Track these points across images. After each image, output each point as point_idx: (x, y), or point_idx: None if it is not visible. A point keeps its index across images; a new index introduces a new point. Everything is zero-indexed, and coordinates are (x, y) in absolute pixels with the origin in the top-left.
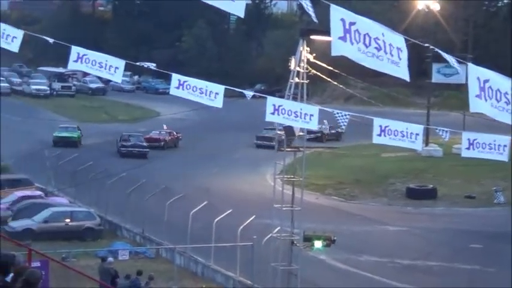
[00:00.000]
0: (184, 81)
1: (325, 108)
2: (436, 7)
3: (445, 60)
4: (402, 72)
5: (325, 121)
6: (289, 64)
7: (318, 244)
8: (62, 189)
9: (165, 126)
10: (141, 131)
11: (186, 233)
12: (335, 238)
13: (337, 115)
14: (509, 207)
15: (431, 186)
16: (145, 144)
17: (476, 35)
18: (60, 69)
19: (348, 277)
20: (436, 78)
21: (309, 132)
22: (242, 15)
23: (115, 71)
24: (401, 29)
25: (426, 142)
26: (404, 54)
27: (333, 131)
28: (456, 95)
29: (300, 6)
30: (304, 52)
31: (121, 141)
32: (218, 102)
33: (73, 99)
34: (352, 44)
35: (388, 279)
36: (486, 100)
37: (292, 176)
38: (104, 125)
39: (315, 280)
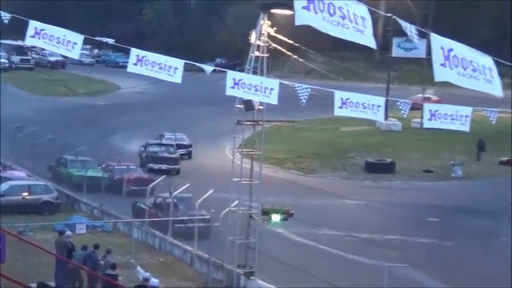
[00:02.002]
0: (143, 57)
1: (285, 82)
2: None
3: (406, 34)
4: (368, 39)
5: None
6: (250, 38)
7: (276, 218)
8: (20, 163)
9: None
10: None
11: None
12: (293, 212)
13: (297, 89)
14: (467, 181)
15: (390, 160)
16: (177, 156)
17: (437, 10)
18: (19, 42)
19: (306, 250)
20: (396, 52)
21: None
22: None
23: (73, 47)
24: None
25: (385, 116)
26: (369, 23)
27: None
28: (416, 69)
29: None
30: (265, 26)
31: (146, 153)
32: (177, 77)
33: (32, 73)
34: (316, 13)
35: (346, 252)
36: (452, 68)
37: (251, 150)
38: (63, 99)
39: (273, 254)
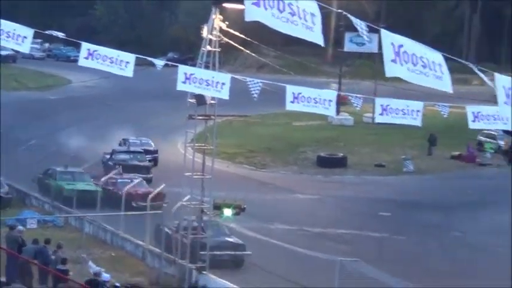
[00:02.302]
0: (94, 51)
1: (237, 77)
2: None
3: (357, 30)
4: (316, 37)
5: None
6: (202, 32)
7: (228, 212)
8: None
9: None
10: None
11: (96, 201)
12: (245, 206)
13: (249, 83)
14: (419, 175)
15: (342, 154)
16: (148, 164)
17: (389, 7)
18: None
19: (258, 245)
20: (348, 47)
21: None
22: None
23: (23, 41)
24: None
25: (337, 111)
26: (318, 20)
27: None
28: (368, 64)
29: None
30: (217, 20)
31: (113, 161)
32: (129, 72)
33: None
34: (266, 9)
35: (299, 247)
36: (402, 64)
37: (203, 145)
38: (14, 93)
39: None
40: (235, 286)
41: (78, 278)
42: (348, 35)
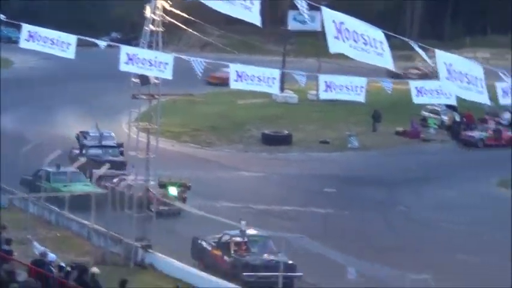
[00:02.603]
0: (35, 32)
1: (180, 56)
2: None
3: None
4: (254, 17)
5: None
6: (145, 12)
7: (173, 191)
8: None
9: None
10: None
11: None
12: (190, 184)
13: (193, 62)
14: (363, 151)
15: (287, 132)
16: (122, 158)
17: None
18: None
19: (204, 222)
20: (292, 25)
21: None
22: None
23: None
24: None
25: (282, 88)
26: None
27: None
28: (312, 42)
29: None
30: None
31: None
32: (71, 53)
33: None
34: None
35: (244, 224)
36: (344, 41)
37: (147, 124)
38: None
39: (171, 226)
40: (181, 263)
41: (23, 258)
42: (291, 13)
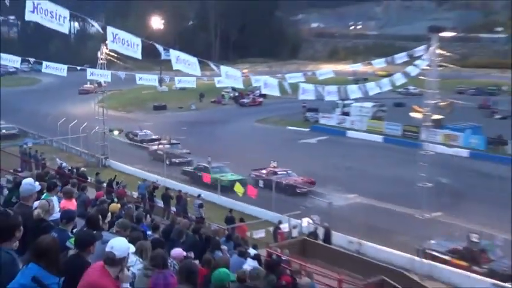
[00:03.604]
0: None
1: None
2: None
3: None
4: None
5: None
6: None
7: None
8: None
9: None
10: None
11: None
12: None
13: None
14: (198, 111)
15: (164, 103)
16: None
17: None
18: None
19: None
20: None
21: None
22: None
23: None
24: None
25: (160, 83)
26: None
27: None
28: None
29: None
30: None
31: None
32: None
33: None
34: None
35: None
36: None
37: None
38: None
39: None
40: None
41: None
42: None
